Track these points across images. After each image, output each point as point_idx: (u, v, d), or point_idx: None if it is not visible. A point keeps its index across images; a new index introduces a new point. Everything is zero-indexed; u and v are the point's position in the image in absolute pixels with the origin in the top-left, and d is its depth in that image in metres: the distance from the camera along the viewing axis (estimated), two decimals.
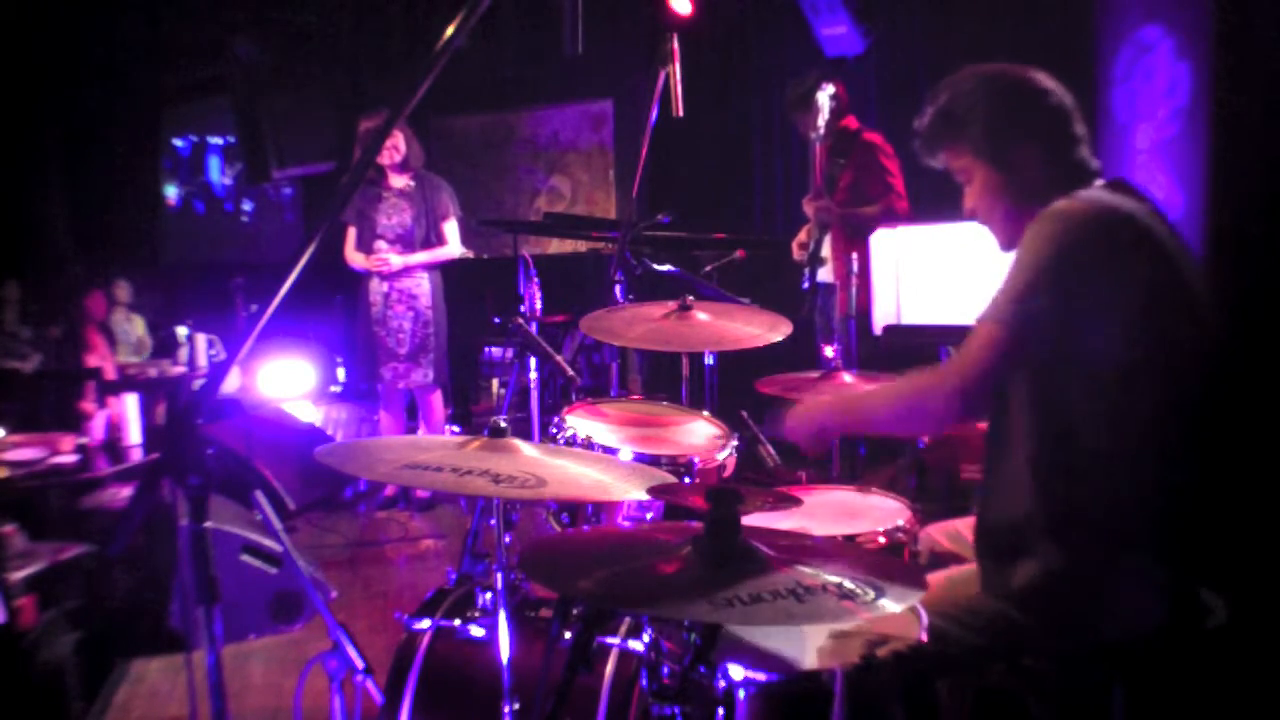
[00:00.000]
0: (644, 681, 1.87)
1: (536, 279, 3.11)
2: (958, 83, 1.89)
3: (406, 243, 4.96)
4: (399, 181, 4.98)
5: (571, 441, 2.49)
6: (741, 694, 1.63)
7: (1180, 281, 1.77)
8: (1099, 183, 1.85)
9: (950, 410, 1.70)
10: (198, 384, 5.21)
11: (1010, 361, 1.68)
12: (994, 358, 1.68)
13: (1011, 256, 1.93)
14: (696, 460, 2.48)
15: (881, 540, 2.13)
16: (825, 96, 4.08)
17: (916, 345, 4.17)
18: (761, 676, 1.64)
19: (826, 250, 4.56)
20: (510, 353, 4.59)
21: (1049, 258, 1.69)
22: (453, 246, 5.07)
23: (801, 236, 4.57)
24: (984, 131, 1.85)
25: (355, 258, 4.97)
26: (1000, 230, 1.92)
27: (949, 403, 1.70)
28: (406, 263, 4.94)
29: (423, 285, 5.02)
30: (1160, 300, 1.73)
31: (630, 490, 1.74)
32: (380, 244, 4.93)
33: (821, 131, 4.15)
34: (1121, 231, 1.72)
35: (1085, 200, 1.75)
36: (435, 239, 5.02)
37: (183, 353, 5.42)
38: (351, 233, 4.98)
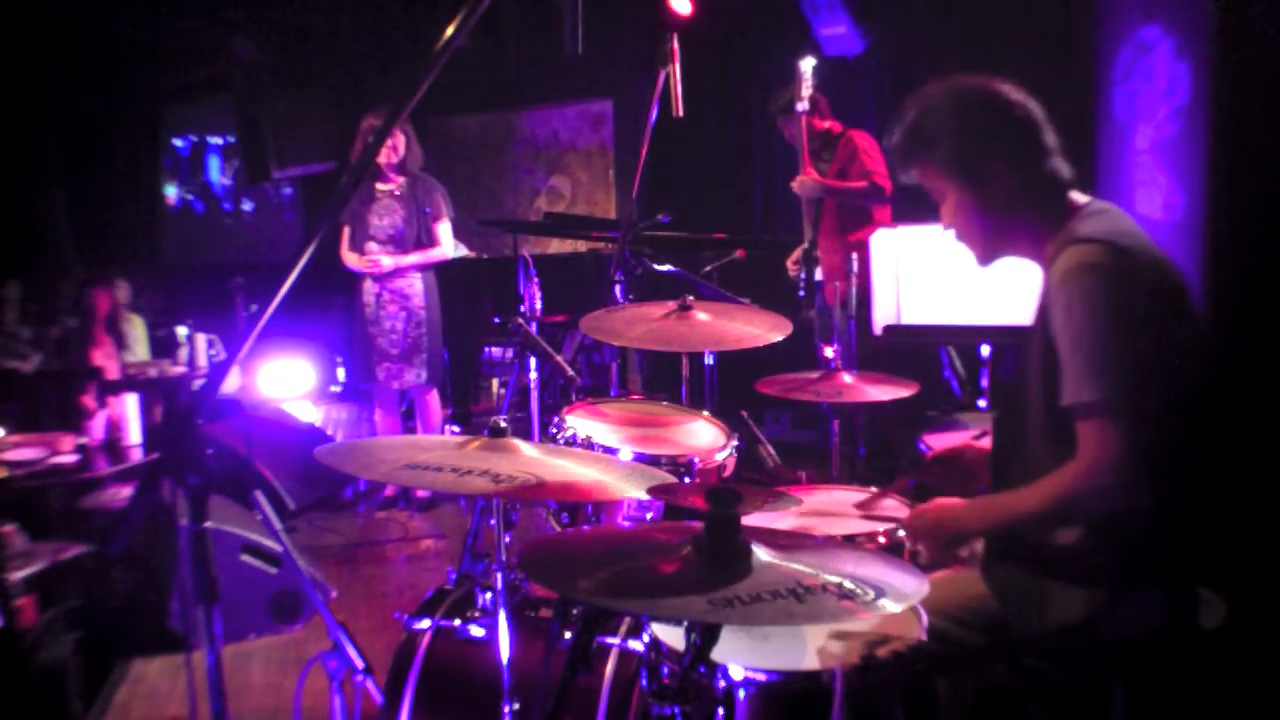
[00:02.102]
0: (644, 681, 1.87)
1: (536, 279, 3.11)
2: (926, 99, 1.86)
3: (398, 243, 4.95)
4: (391, 183, 4.97)
5: (571, 441, 2.49)
6: (741, 694, 1.63)
7: (1179, 290, 1.76)
8: (1081, 199, 1.84)
9: (1112, 503, 1.64)
10: (198, 384, 5.22)
11: (1136, 433, 1.62)
12: (1124, 437, 1.61)
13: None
14: (696, 460, 2.48)
15: (881, 540, 2.13)
16: (808, 66, 4.14)
17: (916, 345, 4.19)
18: (761, 677, 1.64)
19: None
20: (510, 353, 4.58)
21: (1105, 322, 1.64)
22: (445, 248, 5.06)
23: (795, 255, 4.59)
24: (952, 150, 1.82)
25: (349, 258, 4.97)
26: (976, 246, 1.90)
27: (1109, 497, 1.63)
28: (398, 264, 4.93)
29: (415, 285, 5.01)
30: (1174, 324, 1.72)
31: (630, 490, 1.74)
32: (371, 245, 4.93)
33: (807, 102, 4.19)
34: (1142, 262, 1.70)
35: (1099, 241, 1.71)
36: (427, 240, 5.01)
37: (183, 353, 5.41)
38: (347, 232, 4.98)
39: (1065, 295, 1.68)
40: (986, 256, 1.91)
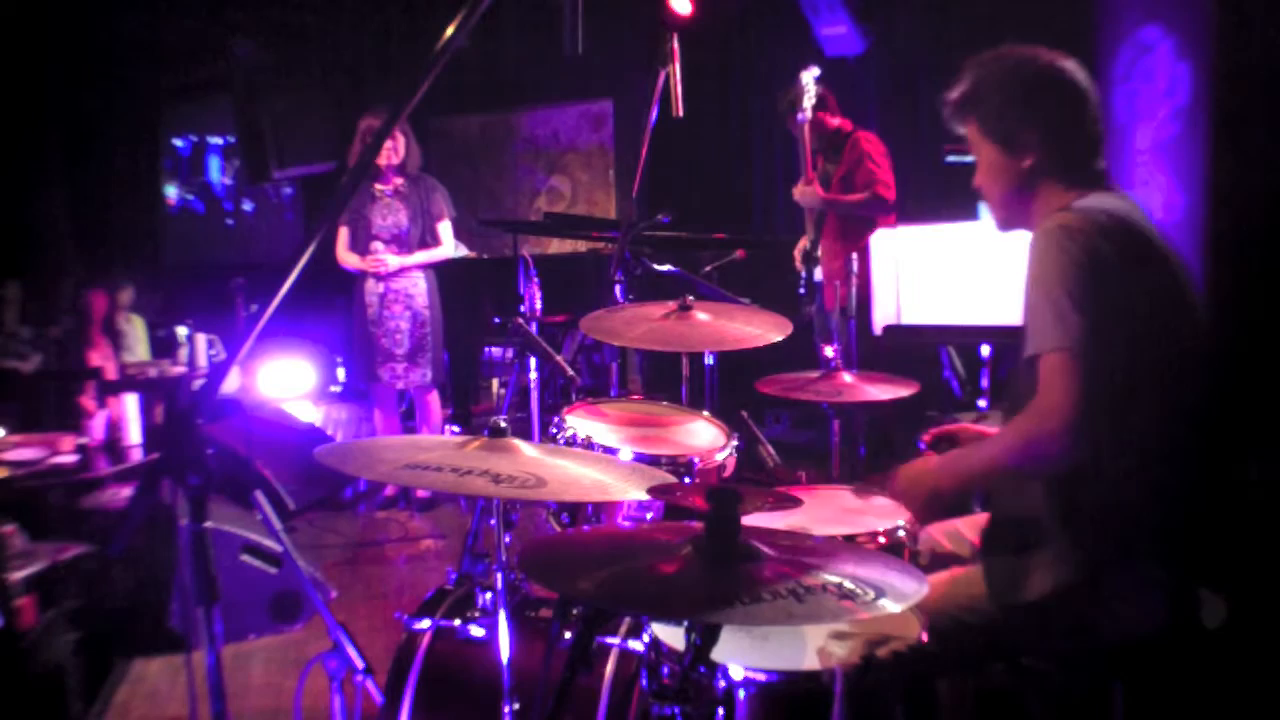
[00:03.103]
0: (644, 681, 1.87)
1: (536, 279, 3.11)
2: (992, 58, 1.91)
3: (402, 243, 4.95)
4: (393, 182, 4.97)
5: (571, 441, 2.49)
6: (741, 694, 1.63)
7: (1177, 285, 1.78)
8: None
9: (1064, 449, 1.64)
10: (198, 384, 5.21)
11: (1094, 379, 1.64)
12: (1079, 384, 1.63)
13: (1010, 239, 1.97)
14: (696, 460, 2.48)
15: (881, 540, 2.13)
16: (810, 77, 4.19)
17: (916, 345, 4.19)
18: (761, 677, 1.64)
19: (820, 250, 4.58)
20: (510, 353, 4.58)
21: (1072, 276, 1.67)
22: (446, 247, 5.06)
23: (802, 244, 4.59)
24: (994, 111, 1.87)
25: (348, 258, 4.97)
26: (998, 210, 1.96)
27: (1060, 442, 1.64)
28: (403, 263, 4.93)
29: (419, 285, 5.01)
30: (1162, 306, 1.74)
31: (630, 490, 1.74)
32: (376, 244, 4.92)
33: (809, 112, 4.24)
34: (1126, 240, 1.72)
35: (1085, 212, 1.75)
36: (430, 239, 5.02)
37: (183, 353, 5.41)
38: (344, 233, 4.97)
39: (1035, 253, 1.73)
40: (1005, 223, 1.97)
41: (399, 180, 4.98)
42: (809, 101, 4.24)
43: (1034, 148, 1.84)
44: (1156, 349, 1.70)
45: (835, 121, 4.71)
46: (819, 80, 4.33)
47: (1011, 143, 1.86)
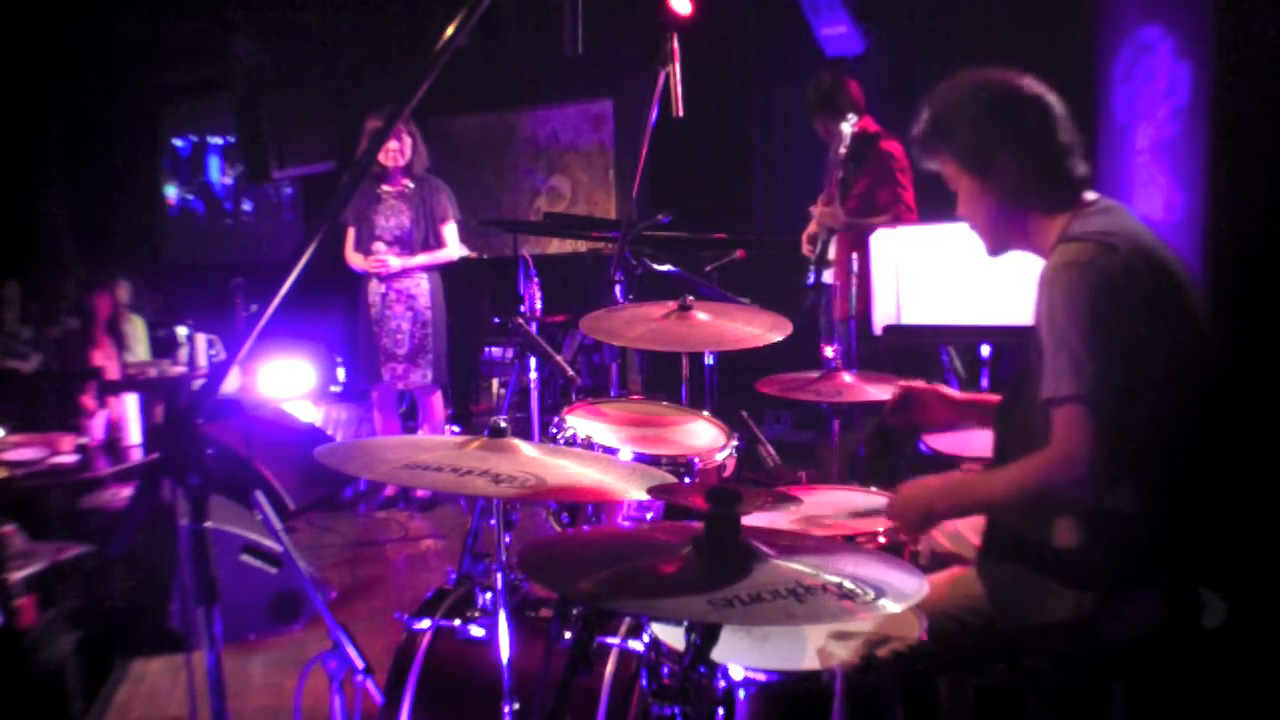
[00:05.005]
0: (644, 681, 1.87)
1: (536, 279, 3.11)
2: (949, 89, 1.90)
3: (405, 244, 4.96)
4: (398, 184, 4.98)
5: (571, 441, 2.49)
6: (741, 694, 1.63)
7: (1184, 299, 1.77)
8: (1090, 196, 1.85)
9: (1081, 494, 1.67)
10: (198, 384, 5.22)
11: (1110, 424, 1.65)
12: (1097, 434, 1.64)
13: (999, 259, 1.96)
14: (696, 460, 2.48)
15: (881, 540, 2.13)
16: (848, 127, 4.17)
17: (916, 345, 4.19)
18: (762, 677, 1.64)
19: (832, 252, 4.57)
20: (510, 353, 4.59)
21: (1085, 318, 1.66)
22: (451, 249, 5.07)
23: (812, 228, 4.56)
24: (967, 140, 1.86)
25: (354, 258, 4.98)
26: (986, 236, 1.94)
27: (1078, 489, 1.66)
28: (405, 265, 4.94)
29: (421, 286, 5.02)
30: (1171, 323, 1.73)
31: (630, 490, 1.74)
32: (379, 245, 4.93)
33: (843, 155, 4.22)
34: (1129, 260, 1.71)
35: (1086, 239, 1.73)
36: (434, 241, 5.02)
37: (183, 353, 5.41)
38: (351, 233, 4.99)
39: (1049, 292, 1.72)
40: (995, 248, 1.95)
41: (405, 181, 4.99)
42: (844, 148, 4.24)
43: (1012, 169, 1.84)
44: (1162, 362, 1.70)
45: (859, 124, 4.66)
46: (850, 81, 4.35)
47: (989, 169, 1.85)
